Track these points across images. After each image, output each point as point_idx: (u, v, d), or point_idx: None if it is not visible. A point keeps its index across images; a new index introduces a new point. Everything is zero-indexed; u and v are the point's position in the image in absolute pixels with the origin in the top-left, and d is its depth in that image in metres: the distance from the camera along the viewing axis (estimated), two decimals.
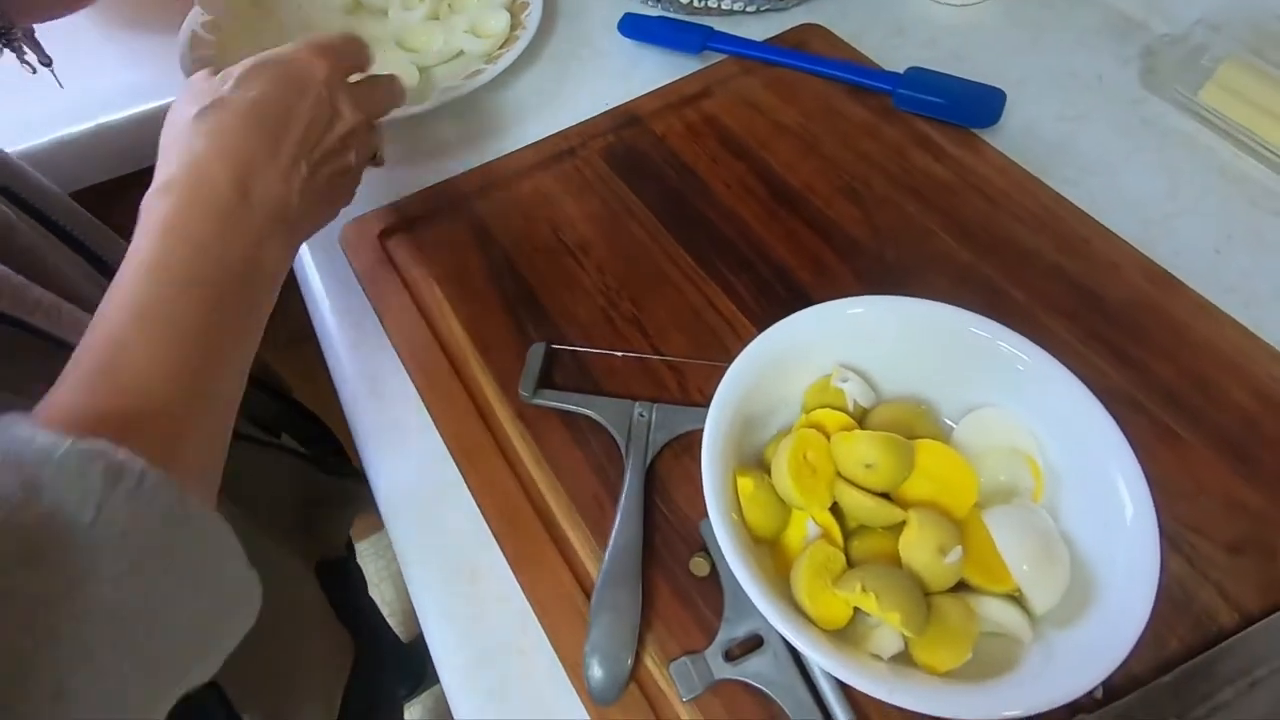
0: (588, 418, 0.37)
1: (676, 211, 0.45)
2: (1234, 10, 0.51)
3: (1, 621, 0.19)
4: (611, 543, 0.33)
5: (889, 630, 0.28)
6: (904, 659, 0.28)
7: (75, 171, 0.53)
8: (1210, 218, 0.45)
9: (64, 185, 0.44)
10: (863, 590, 0.27)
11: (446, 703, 0.32)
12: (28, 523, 0.20)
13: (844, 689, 0.29)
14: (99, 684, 0.21)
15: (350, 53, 0.35)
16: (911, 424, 0.32)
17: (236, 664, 0.39)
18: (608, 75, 0.54)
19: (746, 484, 0.30)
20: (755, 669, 0.29)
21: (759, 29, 0.55)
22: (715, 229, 0.44)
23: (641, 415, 0.36)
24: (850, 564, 0.30)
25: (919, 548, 0.28)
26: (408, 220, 0.45)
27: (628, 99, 0.51)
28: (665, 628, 0.31)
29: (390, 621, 0.84)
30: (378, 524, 0.39)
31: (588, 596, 0.32)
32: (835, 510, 0.31)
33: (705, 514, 0.29)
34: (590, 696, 0.30)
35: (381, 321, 0.42)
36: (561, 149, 0.48)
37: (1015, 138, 0.48)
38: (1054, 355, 0.31)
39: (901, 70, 0.50)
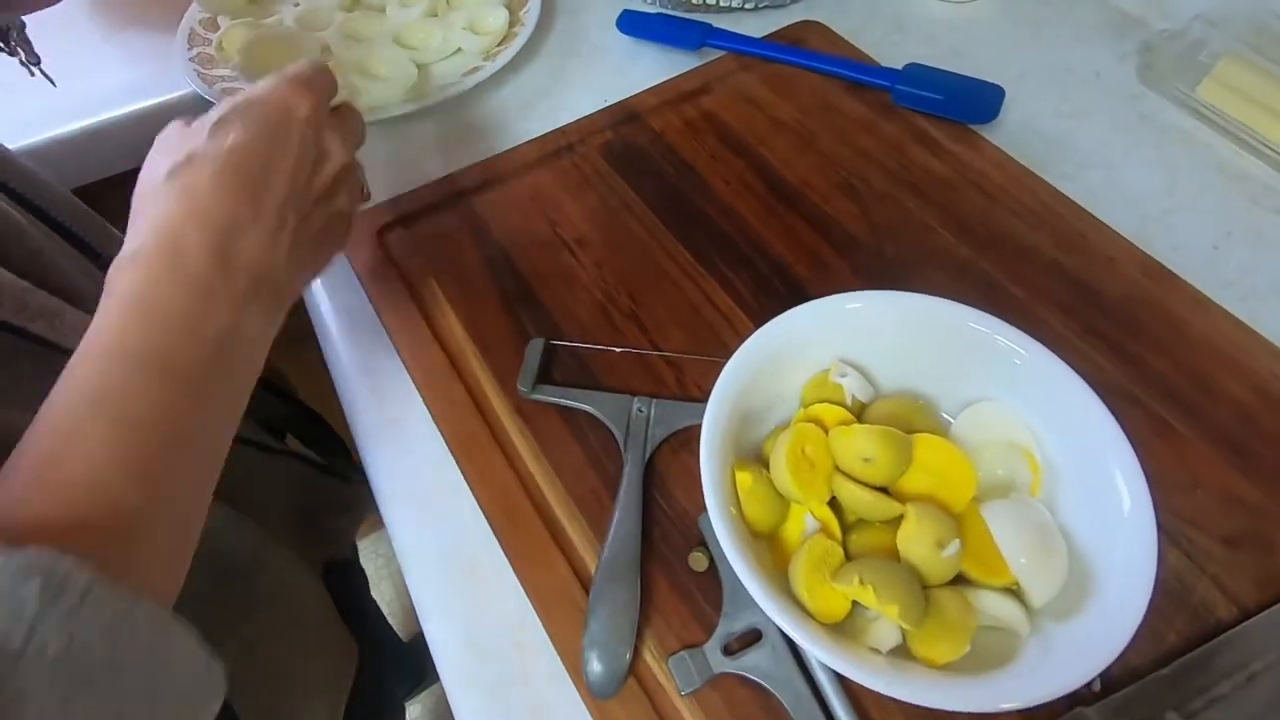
0: (586, 413, 0.37)
1: (675, 208, 0.45)
2: (1232, 6, 0.51)
3: None
4: (610, 538, 0.33)
5: (887, 623, 0.28)
6: (902, 652, 0.28)
7: (74, 169, 0.53)
8: (1208, 214, 0.45)
9: (63, 183, 0.44)
10: (861, 583, 0.27)
11: (446, 701, 0.32)
12: None
13: (842, 682, 0.29)
14: None
15: (328, 82, 0.33)
16: (909, 418, 0.32)
17: (241, 674, 0.39)
18: (606, 72, 0.54)
19: (745, 478, 0.30)
20: (754, 663, 0.29)
21: (757, 25, 0.55)
22: (714, 225, 0.44)
23: (640, 410, 0.36)
24: (848, 558, 0.30)
25: (917, 541, 0.28)
26: (406, 217, 0.45)
27: (626, 95, 0.51)
28: (664, 622, 0.32)
29: (390, 620, 0.84)
30: (377, 523, 0.39)
31: (586, 591, 0.32)
32: (833, 504, 0.31)
33: (704, 509, 0.29)
34: (589, 691, 0.30)
35: (380, 318, 0.42)
36: (560, 146, 0.48)
37: (1014, 134, 0.48)
38: (1052, 350, 0.31)
39: (900, 66, 0.50)
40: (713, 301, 0.41)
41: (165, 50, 0.55)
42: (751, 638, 0.30)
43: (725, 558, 0.28)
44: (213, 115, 0.29)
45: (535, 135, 0.49)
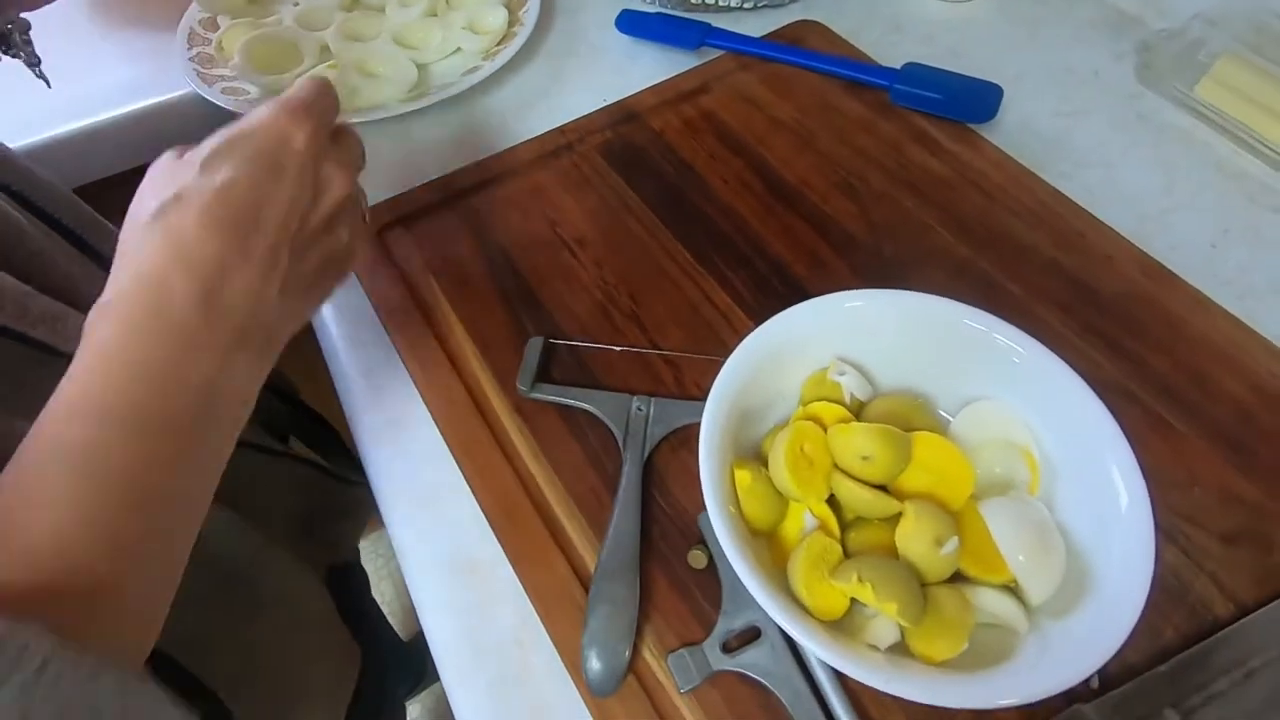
0: (585, 412, 0.37)
1: (674, 207, 0.45)
2: (1231, 6, 0.51)
3: None
4: (609, 536, 0.33)
5: (885, 621, 0.28)
6: (900, 649, 0.28)
7: (73, 169, 0.53)
8: (1206, 213, 0.45)
9: (63, 183, 0.44)
10: (859, 581, 0.27)
11: (446, 701, 0.32)
12: None
13: (841, 679, 0.29)
14: None
15: (329, 105, 0.31)
16: (908, 417, 0.32)
17: (242, 678, 0.39)
18: (605, 71, 0.54)
19: (744, 477, 0.31)
20: (753, 660, 0.30)
21: (756, 25, 0.55)
22: (712, 224, 0.44)
23: (639, 409, 0.36)
24: (847, 555, 0.30)
25: (915, 539, 0.28)
26: (406, 216, 0.46)
27: (625, 95, 0.51)
28: (663, 620, 0.32)
29: (390, 620, 0.84)
30: (377, 523, 0.39)
31: (586, 589, 0.32)
32: (832, 502, 0.31)
33: (703, 507, 0.29)
34: (588, 688, 0.30)
35: (380, 318, 0.42)
36: (559, 145, 0.49)
37: (1012, 133, 0.49)
38: (1050, 348, 0.31)
39: (898, 66, 0.50)
40: (711, 300, 0.41)
41: (165, 49, 0.55)
42: (750, 635, 0.30)
43: (724, 556, 0.28)
44: (205, 148, 0.27)
45: (534, 135, 0.49)
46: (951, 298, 0.33)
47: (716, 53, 0.54)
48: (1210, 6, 0.52)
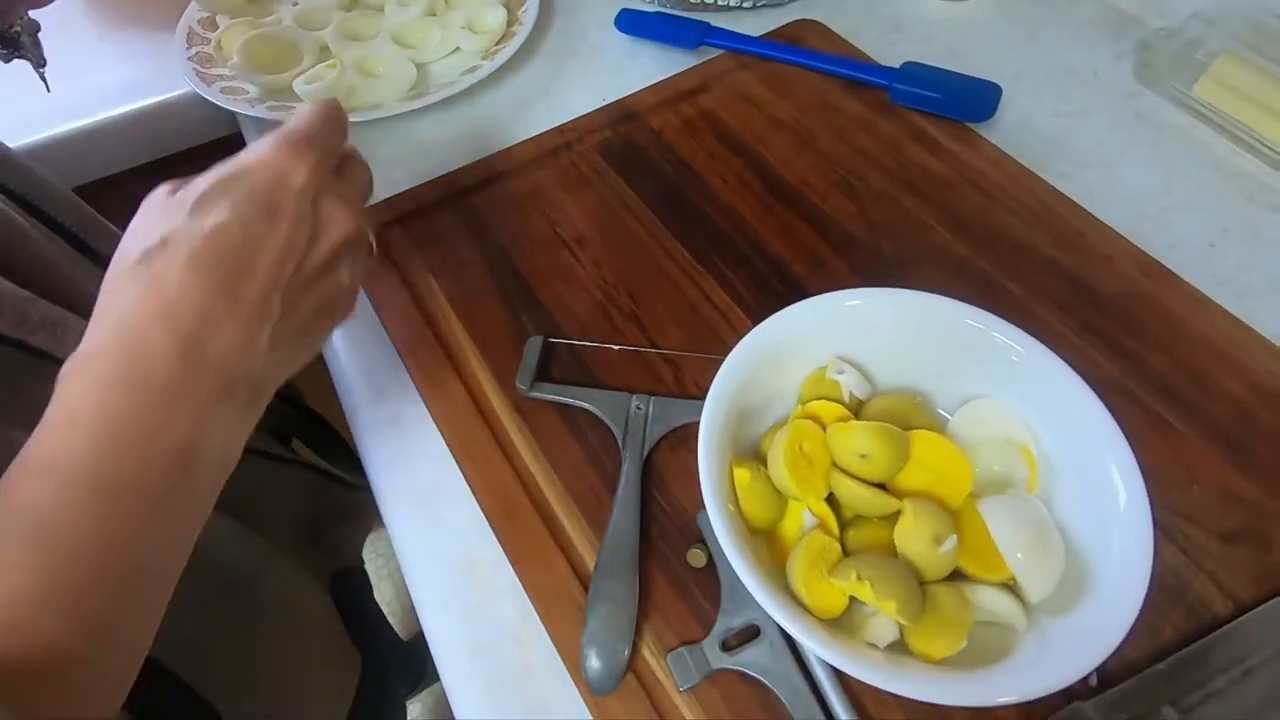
0: (585, 411, 0.37)
1: (673, 206, 0.45)
2: (1229, 5, 0.51)
3: None
4: (609, 535, 0.33)
5: (884, 619, 0.28)
6: (899, 647, 0.28)
7: (72, 168, 0.53)
8: (1205, 212, 0.45)
9: (62, 183, 0.44)
10: (858, 579, 0.27)
11: (446, 700, 0.32)
12: None
13: (840, 677, 0.29)
14: None
15: (334, 131, 0.29)
16: (907, 415, 0.32)
17: (242, 685, 0.38)
18: (604, 71, 0.54)
19: (743, 475, 0.31)
20: (752, 658, 0.30)
21: (756, 24, 0.55)
22: (712, 224, 0.44)
23: (638, 408, 0.36)
24: (846, 554, 0.30)
25: (914, 537, 0.29)
26: (405, 216, 0.46)
27: (624, 94, 0.51)
28: (662, 619, 0.32)
29: (390, 620, 0.84)
30: (376, 523, 0.39)
31: (585, 588, 0.32)
32: (831, 501, 0.31)
33: (702, 505, 0.29)
34: (588, 687, 0.30)
35: (379, 316, 0.42)
36: (558, 144, 0.49)
37: (1011, 132, 0.49)
38: (1049, 347, 0.32)
39: (897, 65, 0.50)
40: (711, 299, 0.41)
41: (164, 49, 0.55)
42: (749, 634, 0.30)
43: (723, 554, 0.28)
44: (199, 186, 0.26)
45: (534, 134, 0.49)
46: (950, 297, 0.33)
47: (716, 52, 0.54)
48: (1208, 6, 0.52)
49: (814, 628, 0.26)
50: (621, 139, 0.49)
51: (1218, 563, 0.32)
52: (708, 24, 0.54)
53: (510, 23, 0.55)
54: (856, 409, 0.34)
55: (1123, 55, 0.53)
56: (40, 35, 0.41)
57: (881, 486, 0.31)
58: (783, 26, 0.55)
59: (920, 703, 0.25)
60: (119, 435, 0.23)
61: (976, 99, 0.49)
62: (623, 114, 0.50)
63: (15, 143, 0.51)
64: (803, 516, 0.31)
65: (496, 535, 0.34)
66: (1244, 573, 0.32)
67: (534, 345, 0.39)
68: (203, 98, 0.51)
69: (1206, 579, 0.32)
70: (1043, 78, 0.52)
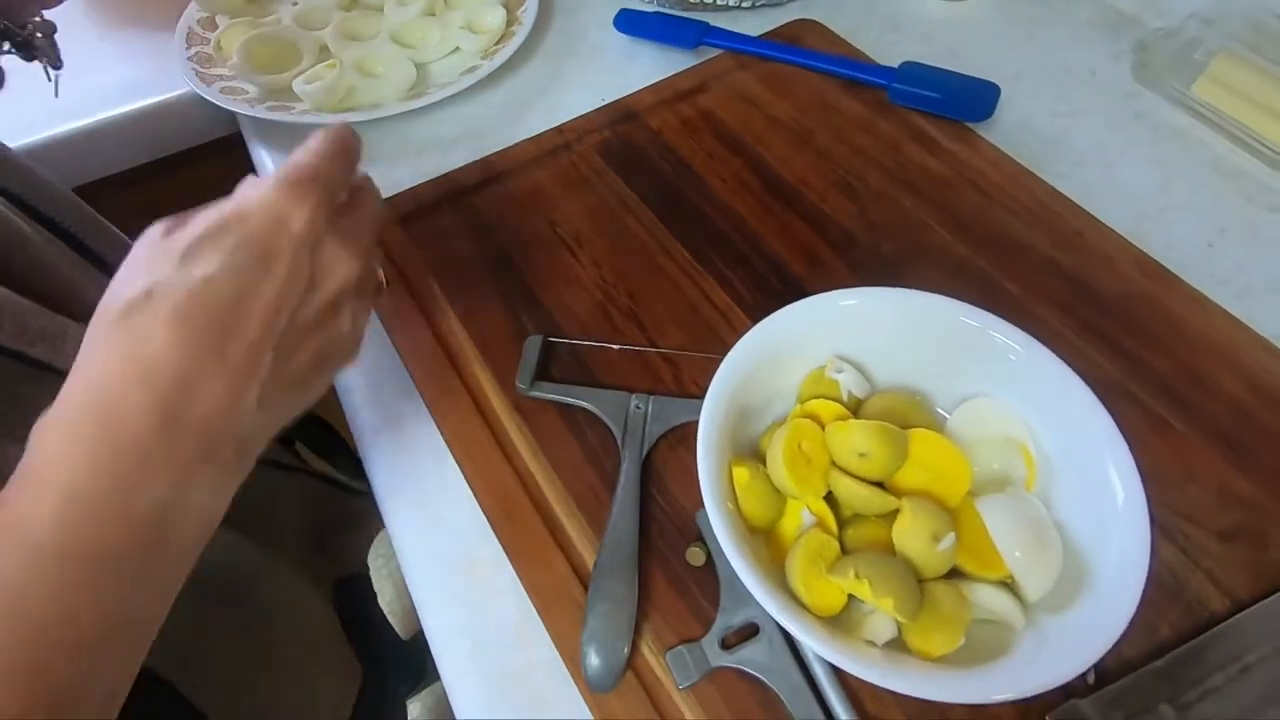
0: (585, 410, 0.37)
1: (672, 206, 0.45)
2: (1227, 4, 0.52)
3: None
4: (608, 534, 0.33)
5: (883, 616, 0.28)
6: (898, 645, 0.28)
7: (73, 168, 0.53)
8: (1203, 212, 0.45)
9: (61, 183, 0.44)
10: (856, 577, 0.27)
11: (446, 700, 0.32)
12: None
13: (839, 675, 0.29)
14: None
15: (342, 163, 0.27)
16: (905, 414, 0.32)
17: (240, 697, 0.38)
18: (604, 71, 0.54)
19: (742, 474, 0.31)
20: (751, 656, 0.30)
21: (755, 24, 0.55)
22: (711, 223, 0.44)
23: (638, 407, 0.36)
24: (844, 552, 0.30)
25: (912, 535, 0.29)
26: (405, 216, 0.46)
27: (624, 94, 0.51)
28: (662, 617, 0.32)
29: (390, 619, 0.84)
30: (377, 525, 0.39)
31: (585, 587, 0.32)
32: (830, 499, 0.31)
33: (701, 504, 0.29)
34: (588, 685, 0.30)
35: (379, 317, 0.42)
36: (557, 144, 0.49)
37: (1010, 132, 0.49)
38: (1048, 346, 0.32)
39: (896, 65, 0.50)
40: (710, 299, 0.41)
41: (163, 49, 0.55)
42: (748, 632, 0.31)
43: (722, 553, 0.28)
44: (192, 231, 0.25)
45: (533, 134, 0.49)
46: (949, 296, 0.33)
47: (715, 52, 0.54)
48: (1207, 5, 0.52)
49: (812, 625, 0.26)
50: (621, 139, 0.49)
51: (1215, 561, 0.32)
52: (707, 24, 0.54)
53: (509, 23, 0.55)
54: (855, 408, 0.34)
55: (1121, 55, 0.53)
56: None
57: (880, 485, 0.31)
58: (781, 26, 0.55)
59: (918, 700, 0.25)
60: (87, 502, 0.22)
61: (975, 99, 0.49)
62: (622, 114, 0.50)
63: (15, 143, 0.51)
64: (801, 515, 0.31)
65: (496, 534, 0.34)
66: (1242, 571, 0.32)
67: (533, 345, 0.39)
68: (202, 98, 0.51)
69: (1204, 577, 0.32)
70: (1041, 77, 0.52)
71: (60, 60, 0.40)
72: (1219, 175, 0.46)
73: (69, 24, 0.59)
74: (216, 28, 0.56)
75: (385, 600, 1.13)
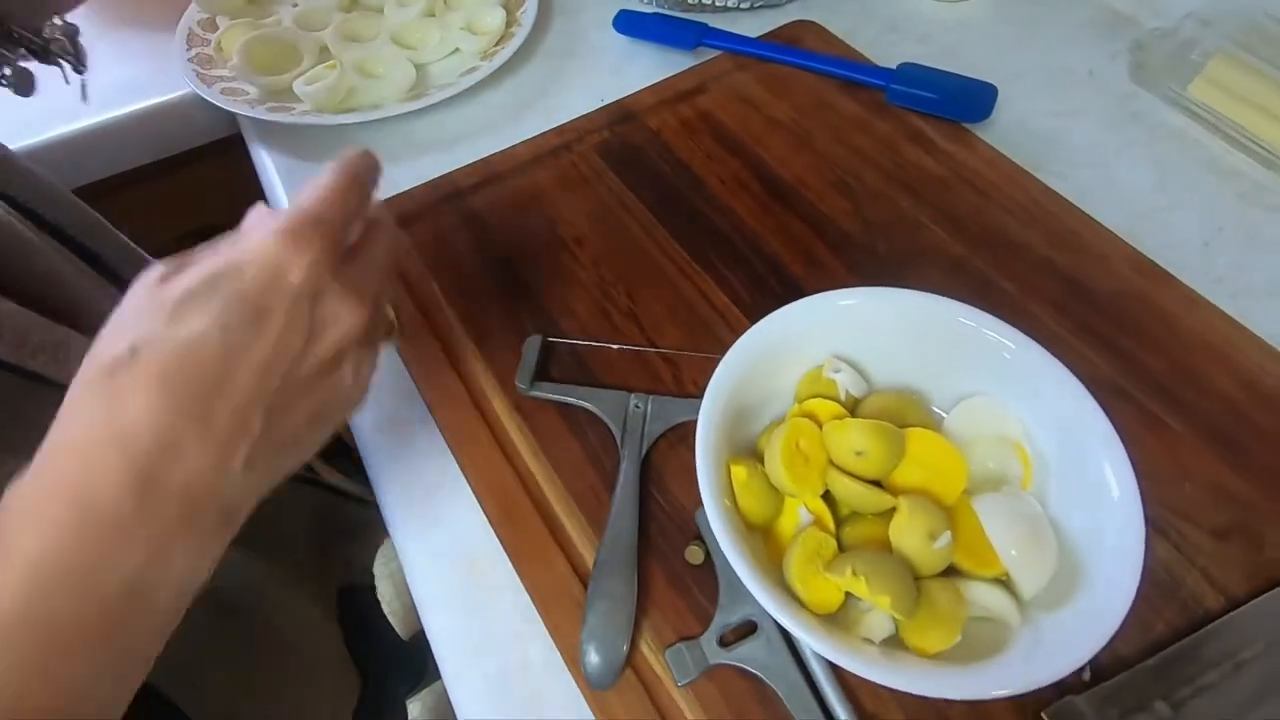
0: (584, 409, 0.37)
1: (671, 206, 0.46)
2: (1223, 5, 0.52)
3: None
4: (607, 532, 0.33)
5: (880, 614, 0.28)
6: (894, 642, 0.29)
7: (73, 169, 0.54)
8: (1199, 211, 0.45)
9: (62, 184, 0.44)
10: (853, 575, 0.28)
11: (446, 699, 0.33)
12: None
13: (836, 672, 0.29)
14: None
15: (353, 199, 0.26)
16: (902, 413, 0.33)
17: (239, 713, 0.38)
18: (603, 71, 0.55)
19: (740, 473, 0.31)
20: (749, 654, 0.30)
21: (753, 25, 0.56)
22: (710, 223, 0.45)
23: (637, 407, 0.37)
24: (842, 550, 0.30)
25: (909, 533, 0.29)
26: (405, 216, 0.46)
27: (623, 95, 0.51)
28: (661, 615, 0.32)
29: (390, 620, 0.84)
30: (382, 535, 0.40)
31: (584, 585, 0.32)
32: (827, 497, 0.32)
33: (700, 503, 0.29)
34: (587, 682, 0.30)
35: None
36: (557, 145, 0.49)
37: (1007, 132, 0.49)
38: (1044, 345, 0.32)
39: (894, 66, 0.50)
40: (709, 299, 0.42)
41: (164, 50, 0.55)
42: (747, 629, 0.31)
43: (721, 551, 0.28)
44: (186, 281, 0.23)
45: (532, 134, 0.50)
46: (946, 296, 0.33)
47: (713, 53, 0.54)
48: (1203, 6, 0.52)
49: (810, 623, 0.27)
50: (620, 139, 0.49)
51: (1210, 559, 0.33)
52: (705, 25, 0.55)
53: (509, 24, 0.55)
54: (852, 407, 0.34)
55: (1118, 56, 0.53)
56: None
57: (877, 483, 0.31)
58: (780, 27, 0.56)
59: (915, 696, 0.26)
60: (56, 574, 0.20)
61: (973, 99, 0.49)
62: (621, 114, 0.50)
63: (16, 144, 0.51)
64: (799, 513, 0.31)
65: (496, 533, 0.35)
66: (1236, 569, 0.32)
67: (533, 344, 0.39)
68: (203, 99, 0.51)
69: (1199, 575, 0.32)
70: (1039, 78, 0.52)
71: (84, 64, 0.40)
72: (1215, 175, 0.47)
73: None
74: (217, 29, 0.56)
75: (385, 600, 1.13)
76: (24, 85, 0.38)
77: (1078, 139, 0.49)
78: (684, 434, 0.36)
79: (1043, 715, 0.28)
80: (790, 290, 0.41)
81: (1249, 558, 0.33)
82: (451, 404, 0.38)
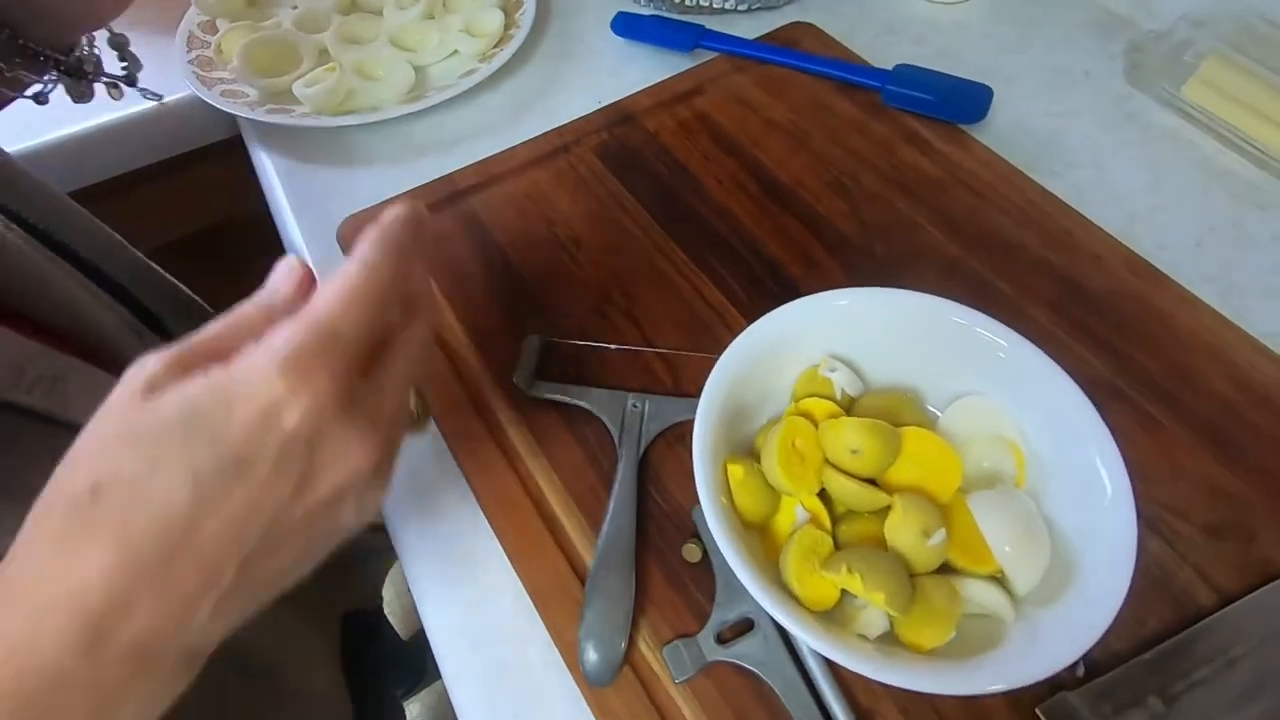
0: (582, 409, 0.37)
1: (669, 207, 0.46)
2: (1218, 7, 0.52)
3: None
4: (605, 530, 0.33)
5: (875, 611, 0.29)
6: (890, 639, 0.29)
7: (72, 172, 0.54)
8: (1192, 211, 0.45)
9: (60, 187, 0.44)
10: (849, 572, 0.28)
11: (446, 699, 0.33)
12: None
13: (832, 668, 0.30)
14: None
15: (387, 291, 0.22)
16: (898, 412, 0.33)
17: None
18: (601, 73, 0.55)
19: (737, 471, 0.31)
20: (746, 651, 0.30)
21: (750, 27, 0.56)
22: (707, 224, 0.45)
23: (635, 406, 0.37)
24: (837, 547, 0.31)
25: (904, 531, 0.29)
26: None
27: (620, 97, 0.52)
28: (658, 612, 0.32)
29: (390, 620, 0.84)
30: (389, 558, 0.40)
31: (582, 583, 0.33)
32: (823, 496, 0.32)
33: (697, 501, 0.30)
34: (585, 679, 0.30)
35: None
36: (555, 146, 0.49)
37: (1003, 133, 0.49)
38: (1038, 345, 0.32)
39: (890, 67, 0.51)
40: (706, 299, 0.42)
41: (164, 52, 0.55)
42: (744, 627, 0.31)
43: (718, 549, 0.28)
44: (169, 406, 0.20)
45: (531, 136, 0.50)
46: (942, 296, 0.34)
47: (710, 55, 0.55)
48: (1198, 8, 0.52)
49: (806, 620, 0.27)
50: (618, 141, 0.49)
51: (1203, 555, 0.33)
52: (703, 27, 0.55)
53: (507, 26, 0.56)
54: (848, 406, 0.34)
55: (1113, 57, 0.54)
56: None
57: (872, 482, 0.31)
58: (777, 29, 0.56)
59: (910, 692, 0.26)
60: None
61: (968, 100, 0.49)
62: (619, 116, 0.51)
63: (14, 146, 0.51)
64: (795, 511, 0.31)
65: (495, 531, 0.35)
66: (1228, 565, 0.33)
67: (532, 344, 0.39)
68: (203, 101, 0.51)
69: (1191, 571, 0.32)
70: (1035, 79, 0.53)
71: (135, 76, 0.39)
72: (1208, 175, 0.47)
73: None
74: (217, 31, 0.56)
75: (385, 600, 1.13)
76: (78, 94, 0.37)
77: (1073, 140, 0.49)
78: (681, 433, 0.37)
79: (1037, 711, 0.29)
80: (787, 290, 0.42)
81: (1241, 554, 0.33)
82: (450, 403, 0.39)
